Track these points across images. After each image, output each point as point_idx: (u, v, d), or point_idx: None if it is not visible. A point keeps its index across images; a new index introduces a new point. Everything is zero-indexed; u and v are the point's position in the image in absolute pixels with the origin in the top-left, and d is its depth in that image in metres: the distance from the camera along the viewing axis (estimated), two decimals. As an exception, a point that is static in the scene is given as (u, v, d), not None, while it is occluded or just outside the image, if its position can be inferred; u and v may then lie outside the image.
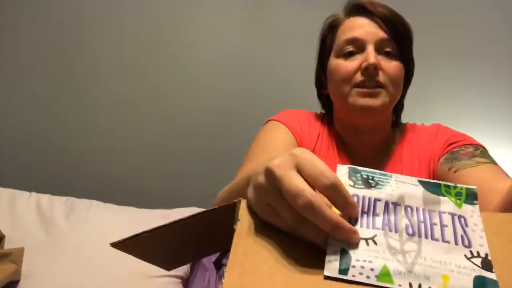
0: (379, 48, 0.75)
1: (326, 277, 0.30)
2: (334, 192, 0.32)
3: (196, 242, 0.39)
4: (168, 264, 0.41)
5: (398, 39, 0.76)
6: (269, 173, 0.33)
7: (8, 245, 1.26)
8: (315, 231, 0.32)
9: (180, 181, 1.68)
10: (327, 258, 0.30)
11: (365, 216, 0.33)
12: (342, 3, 0.84)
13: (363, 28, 0.76)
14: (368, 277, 0.29)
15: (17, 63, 1.73)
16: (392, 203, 0.34)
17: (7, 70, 1.73)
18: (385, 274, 0.29)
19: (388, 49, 0.76)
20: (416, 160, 0.80)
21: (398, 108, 0.87)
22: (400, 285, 0.29)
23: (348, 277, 0.29)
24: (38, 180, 1.66)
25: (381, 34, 0.75)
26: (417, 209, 0.34)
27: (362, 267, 0.30)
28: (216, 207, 0.36)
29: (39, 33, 1.72)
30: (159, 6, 1.69)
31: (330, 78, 0.80)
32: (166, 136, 1.70)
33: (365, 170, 0.37)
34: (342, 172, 0.37)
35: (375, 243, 0.31)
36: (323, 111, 0.91)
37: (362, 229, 0.32)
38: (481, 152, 0.72)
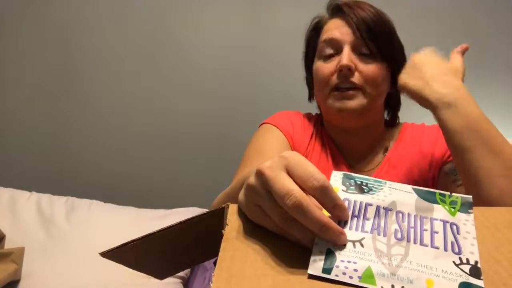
0: (356, 49, 0.74)
1: (310, 276, 0.30)
2: (323, 194, 0.32)
3: (187, 249, 0.39)
4: (160, 272, 0.41)
5: (375, 39, 0.74)
6: (260, 175, 0.34)
7: (8, 245, 1.26)
8: (302, 232, 0.32)
9: (180, 181, 1.68)
10: (312, 257, 0.31)
11: (355, 219, 0.34)
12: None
13: (339, 29, 0.76)
14: (351, 277, 0.30)
15: (17, 62, 1.73)
16: (384, 208, 0.35)
17: (7, 70, 1.73)
18: (368, 276, 0.30)
19: (365, 50, 0.74)
20: (415, 162, 0.78)
21: (394, 107, 0.86)
22: (382, 287, 0.29)
23: (331, 276, 0.30)
24: (38, 180, 1.66)
25: (356, 35, 0.74)
26: (408, 215, 0.34)
27: (346, 267, 0.30)
28: (204, 213, 0.36)
29: (40, 33, 1.72)
30: (160, 6, 1.68)
31: (314, 81, 0.81)
32: (166, 136, 1.70)
33: (359, 177, 0.37)
34: (336, 178, 0.37)
35: (362, 245, 0.32)
36: (318, 112, 0.91)
37: (351, 232, 0.33)
38: None
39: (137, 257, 0.36)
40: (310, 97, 0.90)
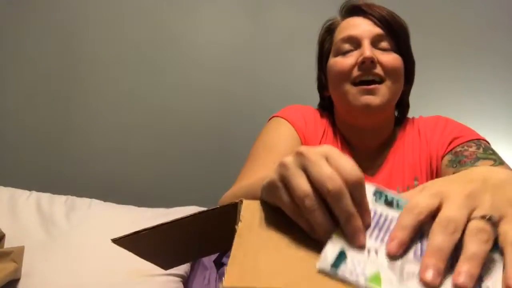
0: (375, 43, 0.76)
1: (319, 271, 0.30)
2: (356, 188, 0.32)
3: (197, 241, 0.39)
4: (166, 262, 0.41)
5: (394, 35, 0.76)
6: (299, 154, 0.34)
7: (8, 244, 1.25)
8: (321, 220, 0.32)
9: (180, 180, 1.68)
10: (324, 251, 0.31)
11: (376, 229, 0.33)
12: (341, 3, 0.85)
13: (358, 26, 0.77)
14: (357, 277, 0.29)
15: (17, 61, 1.73)
16: None
17: (7, 69, 1.73)
18: (375, 278, 0.29)
19: (384, 45, 0.76)
20: (417, 156, 0.79)
21: (403, 106, 0.86)
22: None
23: (338, 272, 0.29)
24: (38, 179, 1.66)
25: (377, 30, 0.76)
26: None
27: (355, 268, 0.30)
28: (218, 206, 0.36)
29: (39, 33, 1.72)
30: (160, 5, 1.69)
31: (329, 77, 0.81)
32: (166, 135, 1.70)
33: (391, 194, 0.36)
34: (368, 190, 0.36)
35: (376, 254, 0.31)
36: None
37: (370, 240, 0.32)
38: (484, 150, 0.70)
39: (146, 246, 0.36)
40: (323, 98, 0.89)
